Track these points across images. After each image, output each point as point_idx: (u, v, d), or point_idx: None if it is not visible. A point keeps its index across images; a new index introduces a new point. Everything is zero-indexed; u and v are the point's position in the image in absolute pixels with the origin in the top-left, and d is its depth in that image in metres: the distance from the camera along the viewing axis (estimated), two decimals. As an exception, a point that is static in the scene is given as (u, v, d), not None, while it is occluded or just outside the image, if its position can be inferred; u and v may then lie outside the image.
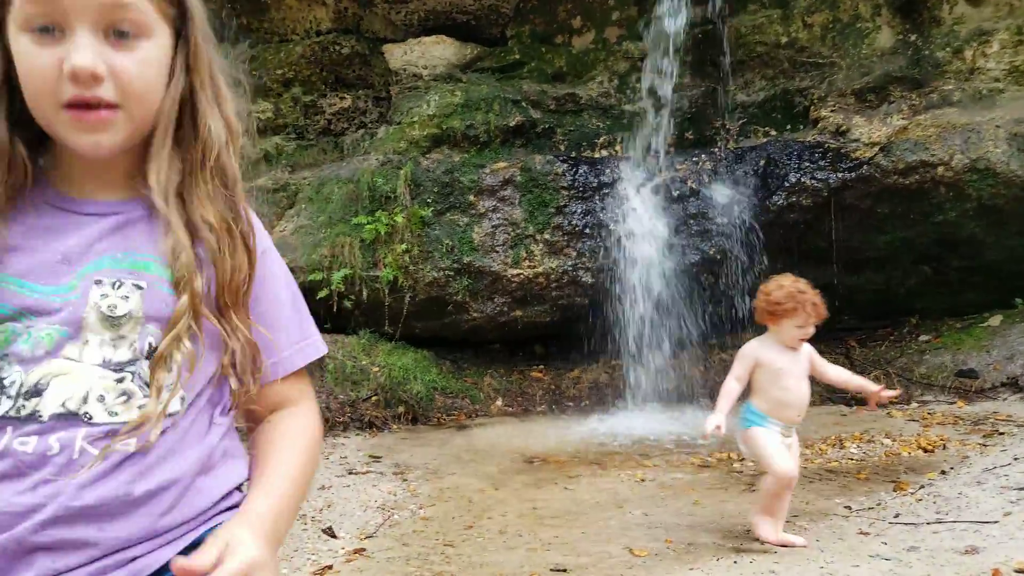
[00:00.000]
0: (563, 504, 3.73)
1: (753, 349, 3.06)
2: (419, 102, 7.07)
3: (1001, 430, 4.49)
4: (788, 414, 2.99)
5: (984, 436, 4.41)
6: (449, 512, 3.65)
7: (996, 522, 2.84)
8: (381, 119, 7.76)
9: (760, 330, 3.20)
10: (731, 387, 3.06)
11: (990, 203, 5.64)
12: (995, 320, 5.94)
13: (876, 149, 5.87)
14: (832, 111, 6.17)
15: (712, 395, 5.87)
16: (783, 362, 2.99)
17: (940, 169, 5.67)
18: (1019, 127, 5.54)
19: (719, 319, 6.25)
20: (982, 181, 5.60)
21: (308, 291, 6.66)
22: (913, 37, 6.21)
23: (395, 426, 5.55)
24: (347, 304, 6.55)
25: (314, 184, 7.11)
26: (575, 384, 6.44)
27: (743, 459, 4.34)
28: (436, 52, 7.37)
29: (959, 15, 6.08)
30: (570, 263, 6.40)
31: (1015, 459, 3.72)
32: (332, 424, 5.25)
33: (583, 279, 6.40)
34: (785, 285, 2.96)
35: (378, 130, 7.52)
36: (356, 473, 4.38)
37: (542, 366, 6.86)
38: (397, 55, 7.48)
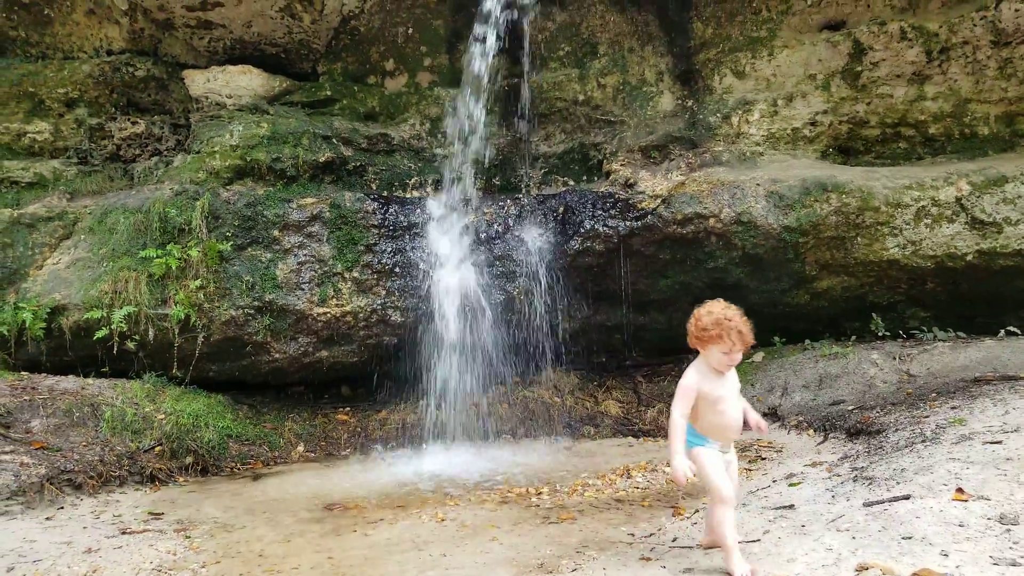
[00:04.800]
0: (361, 551, 3.62)
1: (693, 382, 2.96)
2: (222, 131, 6.74)
3: (763, 455, 5.02)
4: (725, 434, 2.99)
5: (750, 461, 4.91)
6: (235, 569, 3.41)
7: (758, 540, 3.11)
8: (179, 147, 7.30)
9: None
10: (680, 424, 2.95)
11: (753, 252, 6.40)
12: (758, 357, 6.70)
13: (659, 201, 6.47)
14: (622, 165, 6.73)
15: (514, 432, 6.10)
16: (719, 390, 2.95)
17: (711, 221, 6.36)
18: (775, 186, 6.36)
19: (522, 357, 6.48)
20: (746, 232, 6.35)
21: (84, 331, 6.01)
22: (690, 103, 6.97)
23: (182, 478, 5.12)
24: (130, 345, 5.99)
25: (96, 213, 6.49)
26: (382, 425, 6.33)
27: (540, 493, 4.49)
28: (242, 82, 7.09)
29: (728, 86, 6.92)
30: (379, 302, 6.35)
31: (773, 481, 4.17)
32: (106, 479, 4.73)
33: (392, 318, 6.37)
34: (714, 312, 2.89)
35: (174, 158, 7.05)
36: (131, 532, 3.97)
37: (348, 408, 6.68)
38: (199, 82, 7.10)
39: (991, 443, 3.51)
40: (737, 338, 2.82)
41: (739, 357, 2.91)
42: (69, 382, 5.72)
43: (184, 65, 7.24)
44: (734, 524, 2.88)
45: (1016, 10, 6.12)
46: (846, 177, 6.34)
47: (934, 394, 5.19)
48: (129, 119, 7.30)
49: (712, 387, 2.95)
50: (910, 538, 2.65)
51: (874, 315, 6.54)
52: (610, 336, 6.88)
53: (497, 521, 4.01)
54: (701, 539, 3.26)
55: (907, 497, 3.05)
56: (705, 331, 2.87)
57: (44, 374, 5.88)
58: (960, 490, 2.97)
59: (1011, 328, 6.10)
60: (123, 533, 3.96)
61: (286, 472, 5.42)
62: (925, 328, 6.44)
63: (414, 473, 5.24)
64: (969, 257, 6.15)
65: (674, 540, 3.44)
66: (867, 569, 2.45)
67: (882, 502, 3.09)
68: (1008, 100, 6.45)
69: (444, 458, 5.59)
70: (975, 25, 6.30)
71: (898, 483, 3.30)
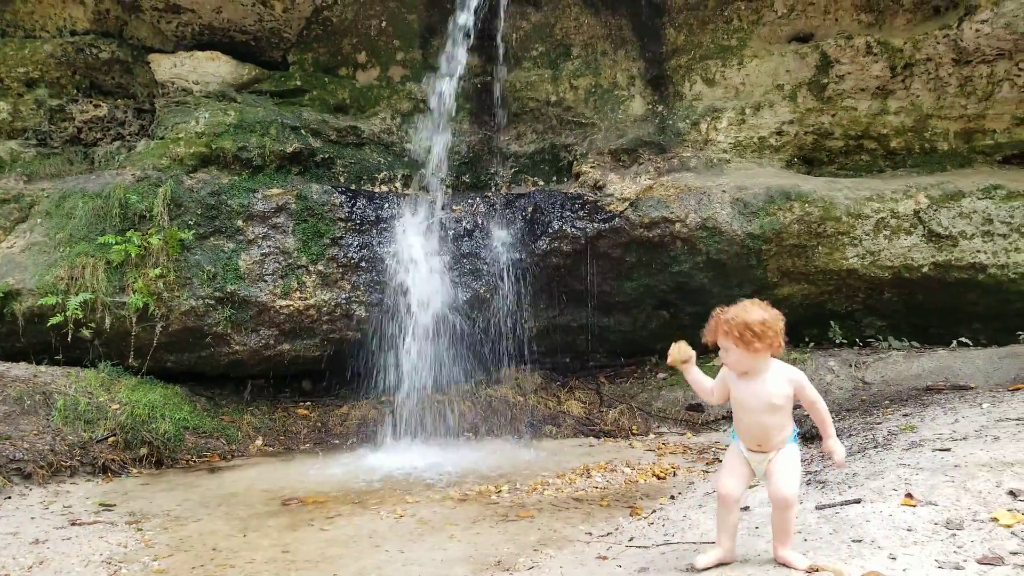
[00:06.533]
0: (318, 546, 3.59)
1: (724, 372, 2.81)
2: (187, 118, 6.62)
3: (720, 457, 5.09)
4: (747, 439, 2.77)
5: (707, 464, 4.98)
6: (188, 563, 3.35)
7: (713, 542, 3.15)
8: (142, 132, 7.15)
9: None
10: (700, 379, 2.90)
11: (716, 257, 6.49)
12: (718, 360, 6.78)
13: (627, 204, 6.52)
14: (591, 167, 6.77)
15: (476, 430, 6.10)
16: (737, 391, 2.76)
17: (677, 225, 6.43)
18: (741, 193, 6.45)
19: (486, 356, 6.48)
20: (711, 238, 6.43)
21: (38, 317, 5.86)
22: (660, 108, 7.04)
23: (135, 470, 5.01)
24: (85, 333, 5.85)
25: (54, 197, 6.33)
26: (343, 421, 6.28)
27: (500, 491, 4.50)
28: (210, 68, 6.96)
29: (697, 93, 7.01)
30: (344, 296, 6.29)
31: (729, 482, 4.22)
32: (57, 469, 4.62)
33: (357, 313, 6.32)
34: (727, 308, 2.68)
35: (137, 144, 6.90)
36: (81, 524, 3.88)
37: (309, 403, 6.61)
38: (165, 66, 6.96)
39: (940, 450, 3.60)
40: (718, 335, 2.68)
41: (733, 360, 2.69)
42: (20, 369, 5.57)
43: (150, 49, 7.09)
44: (726, 519, 2.82)
45: (977, 30, 6.30)
46: (809, 187, 6.46)
47: (887, 401, 5.32)
48: (91, 102, 7.12)
49: (734, 387, 2.79)
50: (860, 541, 2.71)
51: (832, 323, 6.68)
52: (574, 337, 6.92)
53: (456, 518, 4.01)
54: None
55: (858, 501, 3.12)
56: (708, 325, 2.74)
57: (-6, 360, 5.72)
58: (909, 495, 3.04)
59: (963, 339, 6.28)
60: (73, 524, 3.87)
61: (243, 466, 5.34)
62: (881, 337, 6.60)
63: (373, 469, 5.20)
64: (925, 269, 6.32)
65: (631, 540, 3.46)
66: (818, 571, 2.49)
67: (834, 505, 3.16)
68: (967, 117, 6.64)
69: (404, 455, 5.56)
70: (938, 43, 6.47)
71: (850, 487, 3.37)
